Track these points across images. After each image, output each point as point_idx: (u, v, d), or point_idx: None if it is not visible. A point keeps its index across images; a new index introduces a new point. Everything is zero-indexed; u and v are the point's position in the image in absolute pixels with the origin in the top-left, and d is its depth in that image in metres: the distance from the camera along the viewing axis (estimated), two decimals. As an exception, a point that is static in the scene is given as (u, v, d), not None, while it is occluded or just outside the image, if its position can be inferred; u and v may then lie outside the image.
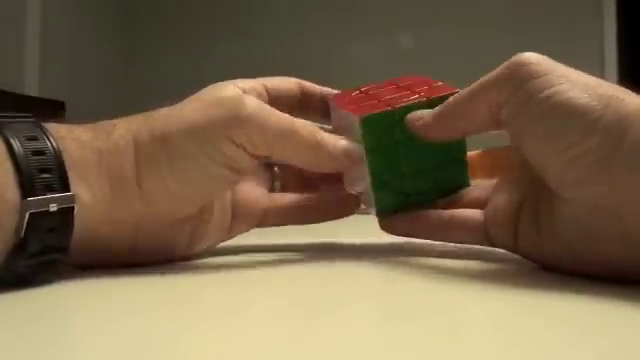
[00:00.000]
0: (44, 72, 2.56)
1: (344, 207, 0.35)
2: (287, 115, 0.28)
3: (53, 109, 2.07)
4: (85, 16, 2.91)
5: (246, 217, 0.33)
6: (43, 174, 0.23)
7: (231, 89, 0.29)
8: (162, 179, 0.26)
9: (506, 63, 0.26)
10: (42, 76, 2.55)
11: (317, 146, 0.29)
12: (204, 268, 0.29)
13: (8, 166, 0.22)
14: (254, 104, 0.28)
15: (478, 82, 0.27)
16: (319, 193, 0.35)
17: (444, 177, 0.32)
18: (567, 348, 0.16)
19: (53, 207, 0.23)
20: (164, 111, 0.28)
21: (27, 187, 0.22)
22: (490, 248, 0.30)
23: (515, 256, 0.29)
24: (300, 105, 0.34)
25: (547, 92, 0.24)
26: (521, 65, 0.25)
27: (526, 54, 0.26)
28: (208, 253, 0.32)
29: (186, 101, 0.29)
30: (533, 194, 0.27)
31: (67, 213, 0.23)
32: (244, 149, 0.27)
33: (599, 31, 2.77)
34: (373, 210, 0.33)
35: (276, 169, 0.36)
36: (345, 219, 0.35)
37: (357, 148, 0.30)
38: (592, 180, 0.23)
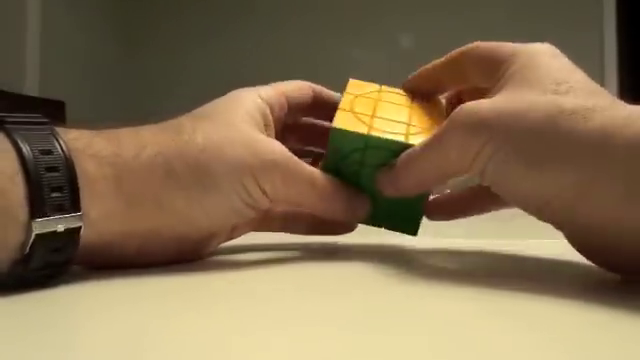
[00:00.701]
0: (44, 72, 2.56)
1: (344, 225, 0.35)
2: (308, 167, 0.30)
3: (53, 109, 2.07)
4: (85, 16, 2.91)
5: (246, 223, 0.33)
6: (54, 193, 0.22)
7: (258, 121, 0.30)
8: (188, 204, 0.27)
9: (456, 123, 0.26)
10: (42, 76, 2.55)
11: (333, 200, 0.30)
12: (207, 267, 0.29)
13: (19, 181, 0.22)
14: (283, 155, 0.29)
15: (436, 139, 0.27)
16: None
17: (395, 215, 0.32)
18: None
19: (60, 228, 0.22)
20: (199, 137, 0.27)
21: (37, 207, 0.22)
22: (489, 250, 0.30)
23: (515, 260, 0.29)
24: (312, 109, 0.34)
25: (505, 149, 0.24)
26: (475, 124, 0.25)
27: (469, 107, 0.26)
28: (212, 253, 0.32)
29: (217, 125, 0.28)
30: None
31: (74, 233, 0.23)
32: (265, 193, 0.28)
33: (599, 27, 2.77)
34: None
35: None
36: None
37: (366, 200, 0.31)
38: (569, 220, 0.24)
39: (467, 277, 0.27)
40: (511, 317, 0.19)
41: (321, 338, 0.17)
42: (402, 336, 0.17)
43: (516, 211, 0.31)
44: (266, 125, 0.31)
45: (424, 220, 0.33)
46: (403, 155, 0.29)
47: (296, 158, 0.29)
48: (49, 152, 0.23)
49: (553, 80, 0.25)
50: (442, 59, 0.31)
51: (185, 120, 0.29)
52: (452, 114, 0.26)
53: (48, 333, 0.17)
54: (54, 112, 2.01)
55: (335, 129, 0.30)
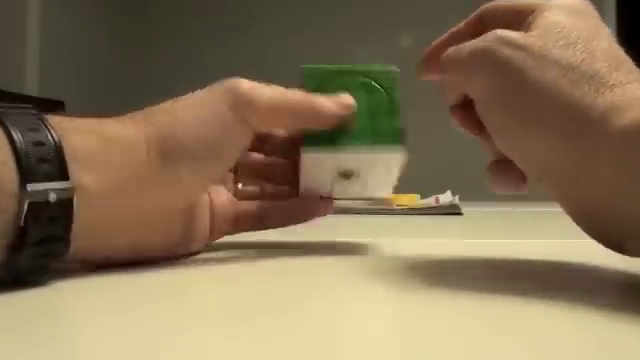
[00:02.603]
0: (44, 72, 2.56)
1: (314, 210, 0.35)
2: (280, 88, 0.30)
3: (53, 109, 2.07)
4: (85, 17, 2.91)
5: (223, 222, 0.34)
6: (42, 164, 0.23)
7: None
8: (173, 165, 0.27)
9: (477, 51, 0.26)
10: (42, 76, 2.55)
11: (312, 105, 0.30)
12: (197, 266, 0.29)
13: (8, 155, 0.22)
14: (252, 85, 0.29)
15: (456, 53, 0.27)
16: (286, 199, 0.36)
17: (379, 132, 0.32)
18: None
19: (52, 197, 0.23)
20: (169, 104, 0.29)
21: (27, 176, 0.22)
22: (488, 251, 0.30)
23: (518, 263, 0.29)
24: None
25: (517, 94, 0.24)
26: (489, 57, 0.25)
27: (489, 43, 0.25)
28: (205, 251, 0.32)
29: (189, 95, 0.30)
30: None
31: (67, 203, 0.23)
32: (247, 124, 0.29)
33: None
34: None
35: (240, 185, 0.37)
36: (344, 219, 0.35)
37: (347, 97, 0.31)
38: (566, 194, 0.24)
39: (459, 277, 0.27)
40: (510, 325, 0.19)
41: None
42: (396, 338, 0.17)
43: (512, 211, 0.31)
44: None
45: (426, 221, 0.33)
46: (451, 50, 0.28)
47: (265, 86, 0.30)
48: (35, 130, 0.24)
49: (581, 42, 0.24)
50: (460, 24, 0.31)
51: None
52: (483, 37, 0.26)
53: (38, 330, 0.17)
54: (53, 112, 2.00)
55: (306, 66, 0.32)
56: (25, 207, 0.22)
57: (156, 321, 0.19)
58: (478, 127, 0.28)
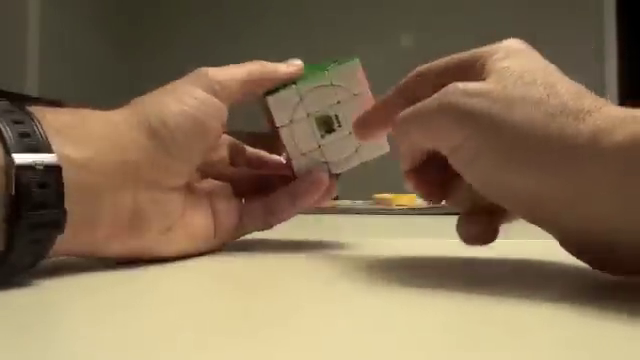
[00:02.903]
0: (44, 72, 2.56)
1: (312, 188, 0.35)
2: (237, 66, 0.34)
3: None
4: (85, 17, 2.91)
5: (226, 223, 0.34)
6: (24, 138, 0.23)
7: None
8: (159, 140, 0.29)
9: (443, 107, 0.25)
10: (42, 76, 2.55)
11: (267, 67, 0.34)
12: (194, 268, 0.30)
13: None
14: (213, 68, 0.33)
15: (421, 114, 0.26)
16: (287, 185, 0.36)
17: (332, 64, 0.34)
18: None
19: (39, 165, 0.23)
20: (148, 94, 0.32)
21: (10, 147, 0.23)
22: (488, 252, 0.30)
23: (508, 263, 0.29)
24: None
25: (491, 143, 0.24)
26: (457, 115, 0.25)
27: (454, 94, 0.25)
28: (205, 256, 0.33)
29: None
30: None
31: (55, 171, 0.24)
32: (219, 96, 0.32)
33: (599, 27, 2.77)
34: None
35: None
36: (344, 219, 0.35)
37: (295, 60, 0.35)
38: (556, 223, 0.24)
39: (458, 278, 0.27)
40: (504, 320, 0.19)
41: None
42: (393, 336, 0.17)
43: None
44: None
45: (424, 222, 0.33)
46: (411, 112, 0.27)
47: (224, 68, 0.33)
48: (11, 111, 0.24)
49: (538, 79, 0.24)
50: (389, 93, 0.31)
51: None
52: (442, 92, 0.25)
53: (35, 329, 0.17)
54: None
55: (269, 97, 0.33)
56: (13, 175, 0.22)
57: (155, 322, 0.19)
58: (442, 191, 0.30)
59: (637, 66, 2.70)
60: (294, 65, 0.34)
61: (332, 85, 0.33)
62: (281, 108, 0.34)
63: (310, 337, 0.17)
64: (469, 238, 0.28)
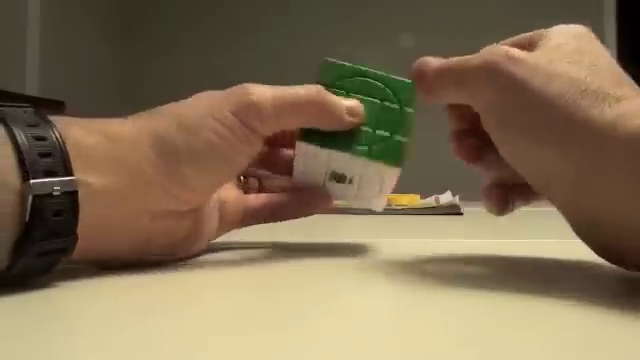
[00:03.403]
0: (44, 72, 2.56)
1: (317, 202, 0.35)
2: (289, 88, 0.29)
3: (53, 109, 2.07)
4: (85, 16, 2.91)
5: (230, 217, 0.34)
6: (45, 158, 0.22)
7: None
8: (178, 164, 0.27)
9: (482, 63, 0.26)
10: (42, 76, 2.55)
11: (321, 105, 0.30)
12: (201, 267, 0.30)
13: (9, 150, 0.22)
14: (258, 88, 0.29)
15: (461, 69, 0.27)
16: (292, 192, 0.35)
17: (381, 144, 0.32)
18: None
19: (57, 190, 0.22)
20: (175, 107, 0.28)
21: (29, 170, 0.22)
22: (487, 250, 0.30)
23: (511, 261, 0.29)
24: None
25: (521, 107, 0.25)
26: (496, 73, 0.25)
27: (499, 57, 0.26)
28: (208, 251, 0.33)
29: (190, 99, 0.29)
30: None
31: (72, 196, 0.23)
32: (254, 130, 0.28)
33: (599, 27, 2.77)
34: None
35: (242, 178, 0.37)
36: (344, 219, 0.35)
37: (359, 106, 0.31)
38: (569, 202, 0.24)
39: (462, 278, 0.27)
40: (508, 317, 0.19)
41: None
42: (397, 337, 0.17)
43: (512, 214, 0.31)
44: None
45: (423, 224, 0.33)
46: (455, 61, 0.28)
47: (273, 88, 0.29)
48: (35, 125, 0.23)
49: (585, 60, 0.25)
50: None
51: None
52: (488, 51, 0.26)
53: (41, 332, 0.17)
54: (54, 112, 2.00)
55: (325, 60, 0.32)
56: (29, 202, 0.22)
57: (161, 326, 0.19)
58: (477, 155, 0.30)
59: (637, 66, 2.70)
60: (353, 114, 0.31)
61: (364, 166, 0.31)
62: (306, 154, 0.32)
63: (329, 338, 0.17)
64: (488, 207, 0.31)
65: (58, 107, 2.19)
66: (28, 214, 0.22)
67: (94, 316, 0.20)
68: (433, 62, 0.29)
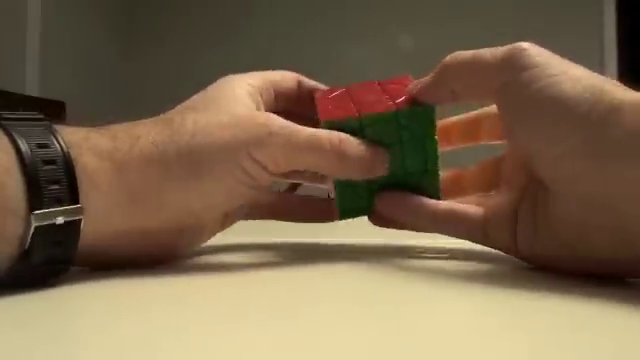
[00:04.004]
0: (44, 72, 2.56)
1: (326, 211, 0.34)
2: (309, 130, 0.28)
3: (53, 109, 2.07)
4: (85, 16, 2.91)
5: (236, 214, 0.33)
6: (52, 185, 0.22)
7: (249, 104, 0.29)
8: (185, 196, 0.27)
9: (507, 48, 0.27)
10: (42, 76, 2.55)
11: (342, 157, 0.28)
12: (200, 269, 0.30)
13: (17, 175, 0.22)
14: (277, 124, 0.27)
15: (478, 57, 0.28)
16: (304, 195, 0.35)
17: (414, 187, 0.31)
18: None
19: (60, 220, 0.22)
20: (190, 126, 0.27)
21: (35, 199, 0.22)
22: (485, 248, 0.30)
23: (507, 257, 0.29)
24: (296, 100, 0.34)
25: (540, 84, 0.25)
26: (519, 54, 0.26)
27: (525, 43, 0.26)
28: (205, 251, 0.32)
29: (209, 110, 0.28)
30: (530, 196, 0.27)
31: (74, 226, 0.23)
32: (266, 168, 0.27)
33: (599, 27, 2.77)
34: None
35: None
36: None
37: (383, 152, 0.29)
38: (584, 175, 0.23)
39: (460, 277, 0.27)
40: (508, 316, 0.19)
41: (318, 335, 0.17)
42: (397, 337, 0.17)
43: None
44: (257, 109, 0.31)
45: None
46: (449, 58, 0.29)
47: (294, 124, 0.28)
48: (46, 146, 0.23)
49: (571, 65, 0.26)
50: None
51: (175, 112, 0.29)
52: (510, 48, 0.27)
53: (39, 332, 0.17)
54: (54, 112, 2.00)
55: (327, 121, 0.29)
56: (31, 231, 0.22)
57: (160, 325, 0.19)
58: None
59: (637, 66, 2.70)
60: (377, 163, 0.29)
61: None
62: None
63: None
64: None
65: (58, 107, 2.19)
66: (28, 243, 0.22)
67: (93, 316, 0.20)
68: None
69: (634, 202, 0.22)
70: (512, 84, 0.26)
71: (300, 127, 0.28)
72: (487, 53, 0.27)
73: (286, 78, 0.34)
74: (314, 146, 0.28)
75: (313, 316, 0.20)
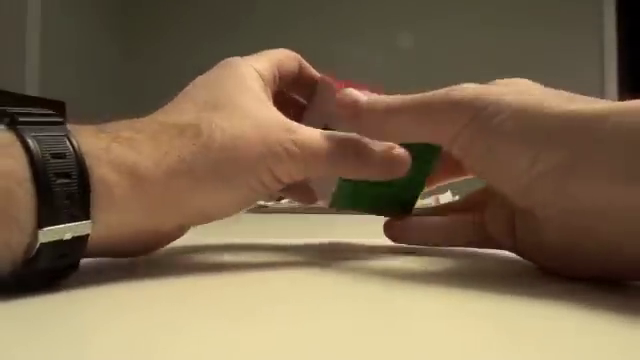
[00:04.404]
0: (44, 72, 2.56)
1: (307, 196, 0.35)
2: (324, 143, 0.28)
3: (53, 109, 2.07)
4: (85, 16, 2.91)
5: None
6: (64, 201, 0.21)
7: (264, 99, 0.29)
8: (204, 204, 0.27)
9: (449, 98, 0.26)
10: (42, 76, 2.55)
11: (361, 160, 0.28)
12: (200, 269, 0.30)
13: (28, 187, 0.21)
14: (300, 140, 0.27)
15: (425, 104, 0.27)
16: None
17: (395, 199, 0.34)
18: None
19: (68, 236, 0.22)
20: (218, 135, 0.26)
21: (45, 215, 0.21)
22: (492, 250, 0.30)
23: (506, 256, 0.29)
24: (295, 82, 0.34)
25: (497, 119, 0.24)
26: (468, 99, 0.25)
27: (467, 85, 0.26)
28: (207, 251, 0.33)
29: (227, 109, 0.28)
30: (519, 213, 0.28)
31: (81, 239, 0.22)
32: (280, 180, 0.28)
33: (599, 27, 2.77)
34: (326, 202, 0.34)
35: None
36: (343, 219, 0.35)
37: (404, 153, 0.29)
38: (555, 200, 0.23)
39: (454, 278, 0.27)
40: (493, 319, 0.19)
41: (312, 339, 0.17)
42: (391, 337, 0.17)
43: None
44: (268, 99, 0.31)
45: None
46: (404, 103, 0.27)
47: (315, 133, 0.28)
48: (61, 156, 0.22)
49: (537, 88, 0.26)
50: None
51: (196, 114, 0.27)
52: (452, 89, 0.26)
53: (39, 331, 0.17)
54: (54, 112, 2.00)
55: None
56: (37, 245, 0.21)
57: (160, 325, 0.19)
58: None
59: (637, 66, 2.70)
60: (398, 164, 0.29)
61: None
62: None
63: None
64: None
65: (58, 107, 2.19)
66: (34, 252, 0.21)
67: (93, 315, 0.20)
68: (374, 98, 0.28)
69: (606, 218, 0.22)
70: (468, 128, 0.25)
71: (320, 136, 0.28)
72: (431, 105, 0.27)
73: (289, 58, 0.34)
74: (337, 160, 0.28)
75: (313, 316, 0.20)
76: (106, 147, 0.24)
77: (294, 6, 3.05)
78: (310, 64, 0.36)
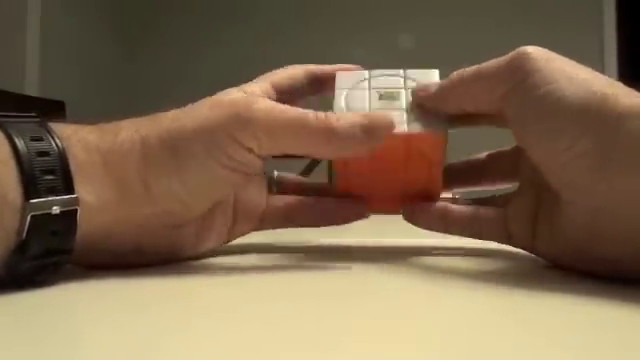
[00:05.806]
0: (44, 72, 2.56)
1: (344, 214, 0.33)
2: (295, 109, 0.27)
3: (53, 109, 2.07)
4: (85, 16, 2.90)
5: (246, 219, 0.33)
6: (47, 176, 0.22)
7: (237, 92, 0.29)
8: (169, 182, 0.26)
9: (509, 55, 0.27)
10: (42, 76, 2.55)
11: (331, 133, 0.27)
12: (206, 269, 0.30)
13: (12, 166, 0.22)
14: (261, 105, 0.27)
15: (483, 67, 0.28)
16: (318, 197, 0.34)
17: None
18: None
19: (56, 210, 0.22)
20: (172, 114, 0.28)
21: (30, 189, 0.22)
22: (504, 247, 0.30)
23: (521, 255, 0.29)
24: (312, 88, 0.33)
25: (543, 90, 0.25)
26: (523, 59, 0.26)
27: (528, 48, 0.26)
28: (210, 253, 0.32)
29: (194, 104, 0.28)
30: (547, 198, 0.27)
31: (70, 216, 0.23)
32: (251, 151, 0.27)
33: (599, 27, 2.77)
34: None
35: (275, 173, 0.35)
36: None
37: (380, 117, 0.27)
38: (588, 184, 0.23)
39: (460, 276, 0.27)
40: (511, 316, 0.19)
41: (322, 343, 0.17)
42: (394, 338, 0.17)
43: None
44: None
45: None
46: (455, 74, 0.29)
47: (279, 104, 0.27)
48: (39, 139, 0.23)
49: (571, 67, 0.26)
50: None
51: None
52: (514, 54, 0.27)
53: (39, 331, 0.17)
54: (54, 112, 2.00)
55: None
56: (27, 221, 0.22)
57: (160, 325, 0.19)
58: None
59: (637, 66, 2.70)
60: (378, 127, 0.28)
61: (404, 77, 0.32)
62: (345, 80, 0.32)
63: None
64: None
65: (58, 107, 2.18)
66: (25, 233, 0.22)
67: (93, 315, 0.20)
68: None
69: (635, 214, 0.22)
70: (516, 91, 0.26)
71: (286, 106, 0.27)
72: (491, 62, 0.27)
73: (291, 77, 0.32)
74: (298, 123, 0.27)
75: (314, 316, 0.20)
76: (74, 130, 0.26)
77: (294, 7, 3.05)
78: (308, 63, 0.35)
